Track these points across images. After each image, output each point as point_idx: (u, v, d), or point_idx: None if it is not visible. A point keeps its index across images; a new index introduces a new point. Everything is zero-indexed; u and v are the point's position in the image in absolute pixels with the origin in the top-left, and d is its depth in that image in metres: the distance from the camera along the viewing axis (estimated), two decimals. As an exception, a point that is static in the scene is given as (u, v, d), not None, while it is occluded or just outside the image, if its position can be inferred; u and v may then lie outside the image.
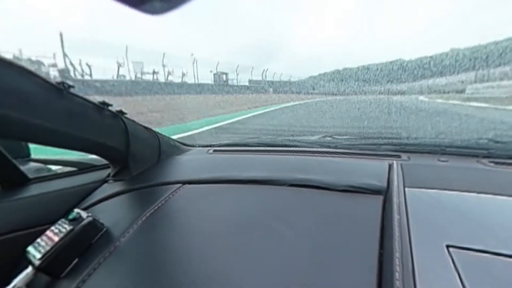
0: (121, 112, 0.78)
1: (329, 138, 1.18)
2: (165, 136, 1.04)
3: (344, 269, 0.43)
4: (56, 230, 0.55)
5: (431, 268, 0.38)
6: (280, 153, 0.98)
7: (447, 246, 0.41)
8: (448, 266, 0.38)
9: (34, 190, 0.75)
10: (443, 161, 0.80)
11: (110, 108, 0.74)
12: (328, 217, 0.57)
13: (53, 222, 0.59)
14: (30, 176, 0.79)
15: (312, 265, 0.44)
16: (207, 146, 1.18)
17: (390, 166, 0.75)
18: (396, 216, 0.50)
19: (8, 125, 0.52)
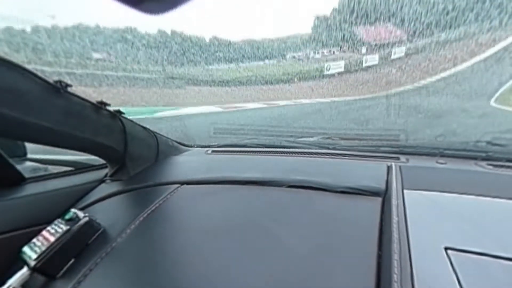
0: (119, 111, 0.78)
1: (328, 140, 1.18)
2: (163, 136, 1.03)
3: (342, 271, 0.43)
4: (53, 230, 0.55)
5: (430, 270, 0.38)
6: (278, 154, 0.98)
7: (446, 248, 0.41)
8: (447, 268, 0.38)
9: (30, 189, 0.74)
10: (441, 163, 0.80)
11: (108, 107, 0.73)
12: (326, 218, 0.56)
13: (49, 222, 0.58)
14: (26, 175, 0.78)
15: (310, 266, 0.44)
16: (205, 146, 1.17)
17: (389, 168, 0.75)
18: (394, 218, 0.50)
19: (4, 124, 0.52)
